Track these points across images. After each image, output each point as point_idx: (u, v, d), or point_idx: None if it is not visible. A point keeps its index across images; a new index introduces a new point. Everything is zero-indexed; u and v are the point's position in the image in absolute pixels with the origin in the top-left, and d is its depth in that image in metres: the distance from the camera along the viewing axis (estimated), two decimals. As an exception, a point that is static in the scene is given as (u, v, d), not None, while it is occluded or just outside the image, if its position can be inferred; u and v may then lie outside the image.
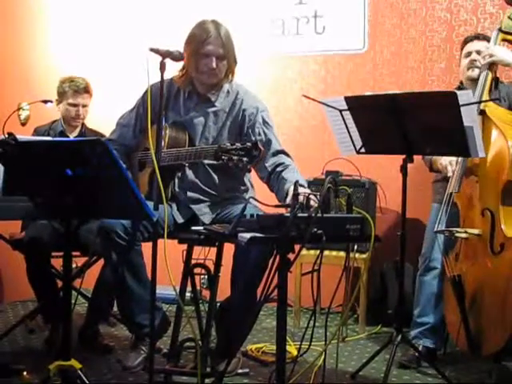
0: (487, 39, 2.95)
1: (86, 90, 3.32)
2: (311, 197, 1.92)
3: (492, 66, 2.80)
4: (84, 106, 3.33)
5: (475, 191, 2.65)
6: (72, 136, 3.34)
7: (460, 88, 2.95)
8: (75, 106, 3.31)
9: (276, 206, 1.97)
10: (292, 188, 2.23)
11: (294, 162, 2.57)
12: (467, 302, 2.58)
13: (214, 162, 2.29)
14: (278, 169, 2.51)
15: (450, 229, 2.64)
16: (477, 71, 2.89)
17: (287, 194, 2.31)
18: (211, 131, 2.65)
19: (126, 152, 2.78)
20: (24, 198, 2.17)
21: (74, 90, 3.29)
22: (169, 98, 2.70)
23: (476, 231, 2.59)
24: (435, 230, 2.68)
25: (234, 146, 2.11)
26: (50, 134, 3.31)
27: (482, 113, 2.63)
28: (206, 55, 2.56)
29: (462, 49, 3.04)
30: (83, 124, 3.39)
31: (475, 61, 2.91)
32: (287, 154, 2.61)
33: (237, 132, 2.64)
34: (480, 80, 2.77)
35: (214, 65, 2.56)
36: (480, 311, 2.56)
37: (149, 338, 2.56)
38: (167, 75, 2.28)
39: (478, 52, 2.91)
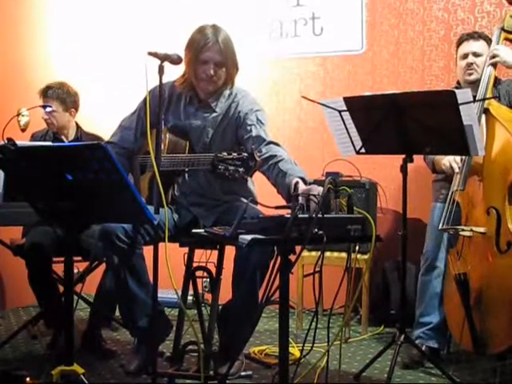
0: (483, 37, 2.93)
1: (50, 95, 3.26)
2: (311, 197, 1.92)
3: (495, 64, 2.79)
4: (48, 111, 3.26)
5: (479, 189, 2.64)
6: (68, 140, 3.33)
7: (458, 88, 2.94)
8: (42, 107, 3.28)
9: (276, 208, 1.97)
10: (295, 182, 2.22)
11: (285, 152, 2.51)
12: (472, 300, 2.58)
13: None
14: (272, 160, 2.45)
15: (456, 227, 2.64)
16: (474, 75, 2.88)
17: (290, 189, 2.27)
18: (210, 136, 2.64)
19: (128, 155, 2.77)
20: (25, 204, 2.17)
21: (40, 92, 3.28)
22: (170, 101, 2.70)
23: (481, 229, 2.59)
24: (440, 228, 2.67)
25: (231, 156, 2.10)
26: (46, 139, 3.30)
27: (486, 111, 2.63)
28: (204, 62, 2.55)
29: (457, 47, 3.00)
30: (79, 127, 3.38)
31: (472, 64, 2.88)
32: (278, 144, 2.55)
33: (233, 134, 2.63)
34: (483, 77, 2.75)
35: (212, 72, 2.55)
36: (486, 309, 2.55)
37: (151, 341, 2.57)
38: (166, 78, 2.29)
39: (475, 54, 2.89)
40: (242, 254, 2.45)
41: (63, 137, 3.34)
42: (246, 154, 2.09)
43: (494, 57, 2.74)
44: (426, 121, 2.32)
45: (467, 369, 2.75)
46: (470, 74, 2.90)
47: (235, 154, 2.10)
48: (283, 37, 4.05)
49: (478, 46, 2.91)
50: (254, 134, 2.55)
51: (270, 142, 2.54)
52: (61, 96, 3.29)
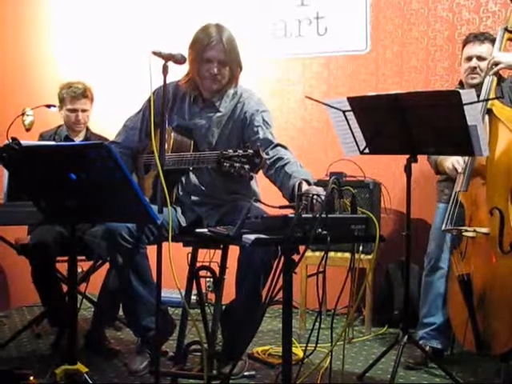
0: (489, 39, 2.90)
1: (84, 95, 3.31)
2: (315, 197, 1.92)
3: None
4: (83, 110, 3.32)
5: (482, 190, 2.63)
6: (77, 140, 3.35)
7: (461, 88, 2.92)
8: (74, 111, 3.30)
9: (280, 207, 1.97)
10: (298, 183, 2.22)
11: (292, 155, 2.53)
12: (475, 301, 2.58)
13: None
14: (279, 163, 2.46)
15: (459, 227, 2.64)
16: (477, 79, 2.86)
17: (293, 190, 2.28)
18: (215, 135, 2.64)
19: (132, 154, 2.78)
20: (29, 203, 2.17)
21: (71, 95, 3.29)
22: (174, 101, 2.70)
23: (484, 230, 2.58)
24: (443, 228, 2.67)
25: (236, 153, 2.10)
26: (55, 139, 3.32)
27: (489, 112, 2.62)
28: (208, 60, 2.55)
29: (463, 47, 2.98)
30: (88, 128, 3.40)
31: (476, 68, 2.87)
32: (285, 147, 2.56)
33: (239, 135, 2.63)
34: (485, 84, 2.73)
35: (216, 70, 2.55)
36: (489, 310, 2.55)
37: (154, 341, 2.57)
38: (171, 78, 2.29)
39: (479, 58, 2.86)
40: (245, 253, 2.46)
41: (74, 138, 3.36)
42: (251, 151, 2.09)
43: (496, 64, 2.71)
44: (430, 121, 2.31)
45: (470, 370, 2.74)
46: (473, 78, 2.88)
47: (241, 151, 2.10)
48: (287, 36, 4.05)
49: (483, 49, 2.88)
50: (261, 136, 2.55)
51: (278, 145, 2.55)
52: (92, 95, 3.37)
